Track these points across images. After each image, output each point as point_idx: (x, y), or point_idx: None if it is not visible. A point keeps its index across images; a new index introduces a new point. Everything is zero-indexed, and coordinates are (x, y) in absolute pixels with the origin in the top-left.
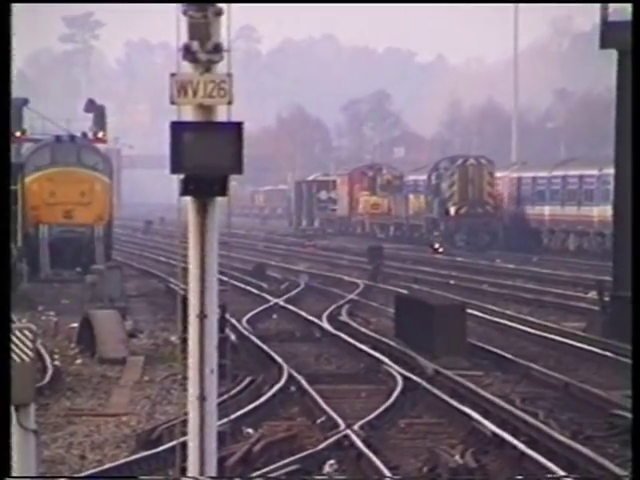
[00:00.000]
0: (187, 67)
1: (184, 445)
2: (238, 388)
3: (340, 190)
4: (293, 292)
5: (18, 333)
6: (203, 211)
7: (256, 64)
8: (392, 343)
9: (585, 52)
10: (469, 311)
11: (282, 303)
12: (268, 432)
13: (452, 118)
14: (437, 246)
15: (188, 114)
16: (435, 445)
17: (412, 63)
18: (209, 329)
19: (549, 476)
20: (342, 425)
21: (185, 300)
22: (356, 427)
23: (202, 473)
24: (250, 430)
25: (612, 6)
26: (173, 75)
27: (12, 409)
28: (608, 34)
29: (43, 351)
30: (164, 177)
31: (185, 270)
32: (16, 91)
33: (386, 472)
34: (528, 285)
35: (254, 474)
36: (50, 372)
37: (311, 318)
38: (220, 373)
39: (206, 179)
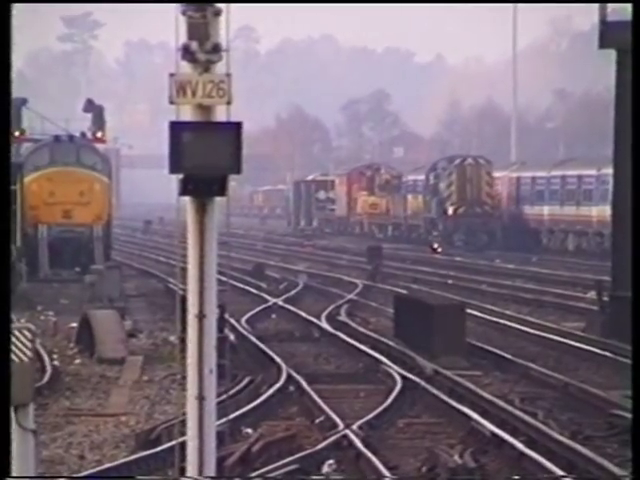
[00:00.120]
0: (186, 67)
1: (183, 445)
2: (237, 388)
3: (338, 190)
4: (292, 292)
5: (17, 333)
6: (202, 211)
7: (255, 64)
8: (391, 343)
9: (584, 52)
10: (468, 311)
11: (281, 303)
12: (267, 432)
13: (451, 118)
14: (436, 246)
15: (187, 114)
16: (434, 445)
17: (411, 63)
18: (208, 329)
19: (549, 476)
20: (341, 425)
21: (184, 300)
22: (355, 427)
23: (201, 473)
24: (249, 430)
25: (611, 6)
26: (172, 75)
27: (11, 409)
28: (607, 34)
29: (42, 351)
30: (163, 177)
31: (184, 270)
32: (15, 91)
33: (385, 472)
34: (527, 285)
35: (253, 474)
36: (49, 372)
37: (310, 318)
38: (219, 373)
39: (205, 179)
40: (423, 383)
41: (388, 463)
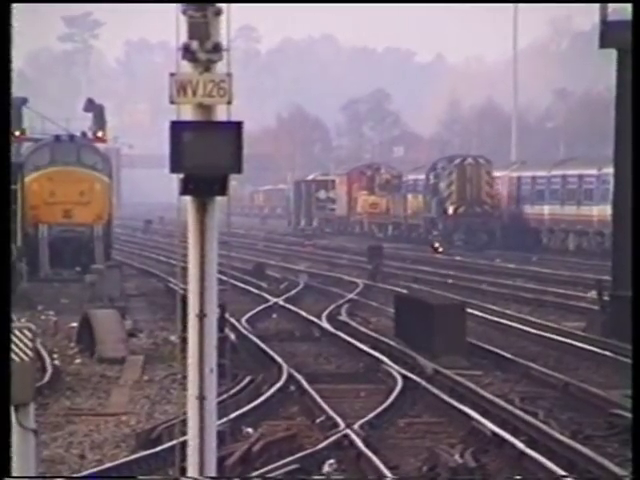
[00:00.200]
0: (187, 67)
1: (184, 445)
2: (238, 387)
3: (339, 190)
4: (293, 291)
5: (17, 332)
6: (203, 210)
7: (255, 64)
8: (392, 342)
9: (584, 51)
10: (469, 310)
11: (282, 303)
12: (268, 432)
13: (451, 118)
14: (437, 245)
15: (188, 113)
16: (435, 444)
17: (411, 63)
18: (208, 328)
19: (549, 476)
20: (342, 425)
21: (185, 299)
22: (356, 426)
23: (202, 473)
24: (250, 430)
25: (611, 6)
26: (173, 75)
27: (11, 409)
28: (607, 33)
29: (42, 351)
30: (164, 176)
31: (185, 269)
32: (15, 90)
33: (386, 472)
34: (528, 285)
35: (253, 474)
36: (49, 372)
37: (311, 318)
38: (219, 372)
39: (206, 178)
40: (424, 383)
41: (389, 463)
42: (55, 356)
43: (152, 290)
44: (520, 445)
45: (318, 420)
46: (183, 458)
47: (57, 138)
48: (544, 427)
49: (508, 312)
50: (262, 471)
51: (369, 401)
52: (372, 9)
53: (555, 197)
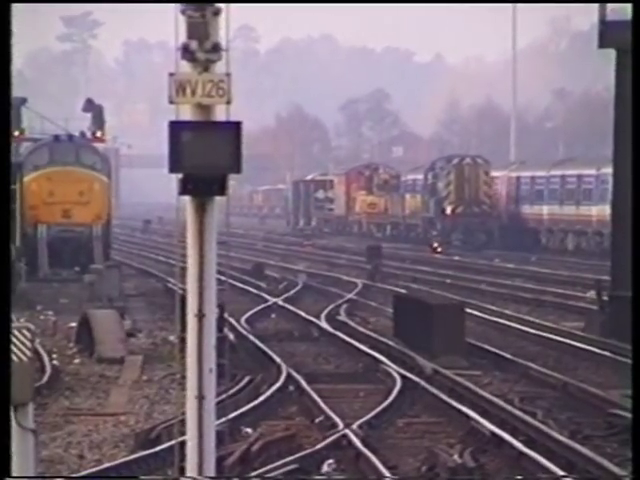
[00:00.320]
0: (186, 66)
1: (183, 444)
2: (237, 387)
3: (337, 190)
4: (292, 291)
5: (16, 332)
6: (202, 210)
7: (254, 64)
8: (391, 343)
9: (584, 51)
10: (468, 310)
11: (281, 302)
12: (267, 431)
13: (451, 117)
14: (436, 245)
15: (187, 113)
16: (434, 444)
17: (411, 62)
18: (207, 328)
19: (549, 476)
20: (340, 425)
21: (184, 299)
22: (354, 427)
23: (201, 472)
24: (249, 429)
25: (610, 6)
26: (172, 74)
27: (11, 409)
28: (607, 33)
29: (41, 350)
30: (163, 176)
31: (184, 269)
32: (14, 90)
33: (385, 472)
34: (527, 284)
35: (253, 474)
36: (48, 372)
37: (310, 317)
38: (219, 372)
39: (205, 178)
40: (423, 383)
41: (387, 463)
42: (54, 356)
43: (151, 290)
44: (519, 445)
45: (317, 420)
46: (182, 458)
47: (56, 138)
48: (543, 427)
49: (507, 312)
50: (261, 471)
51: (368, 401)
52: (371, 9)
53: (554, 197)
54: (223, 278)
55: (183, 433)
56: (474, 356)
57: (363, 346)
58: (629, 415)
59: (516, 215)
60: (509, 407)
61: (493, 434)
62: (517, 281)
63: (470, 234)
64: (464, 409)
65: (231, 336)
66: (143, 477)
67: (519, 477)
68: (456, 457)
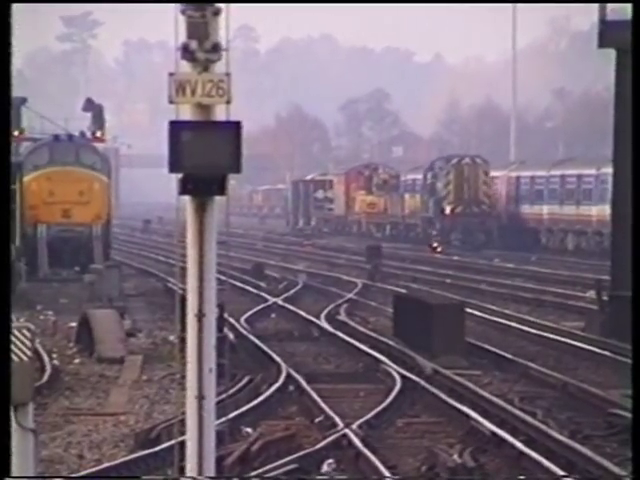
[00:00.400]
0: (186, 66)
1: (182, 444)
2: (236, 387)
3: (337, 189)
4: (292, 291)
5: (16, 332)
6: (202, 210)
7: (254, 63)
8: (390, 342)
9: (583, 51)
10: (468, 310)
11: (281, 302)
12: (266, 431)
13: (450, 117)
14: (436, 245)
15: (186, 113)
16: (433, 444)
17: (410, 62)
18: (207, 328)
19: (549, 476)
20: (340, 424)
21: (184, 299)
22: (354, 426)
23: (200, 472)
24: (248, 429)
25: (610, 5)
26: (172, 74)
27: (11, 409)
28: (606, 33)
29: (41, 350)
30: (162, 176)
31: (184, 269)
32: (14, 90)
33: (384, 471)
34: (527, 284)
35: (252, 473)
36: (48, 371)
37: (310, 317)
38: (218, 372)
39: (205, 178)
40: (422, 382)
41: (387, 462)
42: (54, 356)
43: (151, 290)
44: (519, 445)
45: (317, 420)
46: (182, 458)
47: (56, 138)
48: (543, 427)
49: (507, 312)
50: (261, 471)
51: (368, 401)
52: (371, 9)
53: (554, 197)
54: (223, 278)
55: (183, 433)
56: (474, 356)
57: (363, 346)
58: (629, 415)
59: (516, 215)
60: (509, 407)
61: (493, 434)
62: (517, 281)
63: (469, 234)
64: (464, 409)
65: (231, 336)
66: (143, 477)
67: (519, 477)
68: (456, 457)
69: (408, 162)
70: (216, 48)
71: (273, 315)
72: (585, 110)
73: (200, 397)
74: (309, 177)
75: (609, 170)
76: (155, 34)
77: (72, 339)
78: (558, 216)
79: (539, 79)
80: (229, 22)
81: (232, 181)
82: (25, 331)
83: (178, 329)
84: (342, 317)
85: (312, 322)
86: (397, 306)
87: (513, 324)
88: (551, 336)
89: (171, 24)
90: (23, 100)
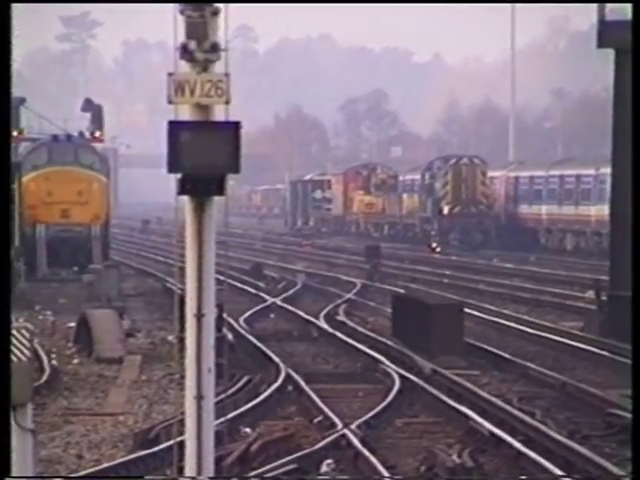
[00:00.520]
0: (184, 66)
1: (181, 444)
2: (235, 387)
3: (335, 189)
4: (290, 291)
5: (15, 332)
6: (200, 210)
7: (253, 63)
8: (389, 342)
9: (582, 51)
10: (466, 310)
11: (279, 302)
12: (265, 431)
13: (449, 117)
14: (434, 245)
15: (185, 113)
16: (432, 444)
17: (409, 62)
18: (206, 328)
19: (549, 476)
20: (339, 424)
21: (182, 299)
22: (353, 426)
23: (199, 472)
24: (247, 429)
25: (609, 6)
26: (170, 74)
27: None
28: (605, 33)
29: (40, 350)
30: (161, 176)
31: (182, 269)
32: (13, 90)
33: (383, 471)
34: (525, 284)
35: (251, 473)
36: (47, 372)
37: (308, 317)
38: (217, 372)
39: (203, 178)
40: (421, 383)
41: (386, 462)
42: (53, 356)
43: (150, 290)
44: (517, 445)
45: (316, 420)
46: (181, 458)
47: (55, 138)
48: (542, 427)
49: (506, 312)
50: (260, 471)
51: (367, 401)
52: (370, 9)
53: (553, 197)
54: (222, 278)
55: (182, 433)
56: (473, 356)
57: (362, 346)
58: (628, 415)
59: (515, 215)
60: (508, 407)
61: (492, 434)
62: (516, 281)
63: (467, 234)
64: (463, 409)
65: (230, 336)
66: (143, 477)
67: (518, 477)
68: (455, 457)
69: (407, 162)
70: (215, 48)
71: (272, 315)
72: (584, 110)
73: (199, 397)
74: (307, 177)
75: (608, 170)
76: (154, 34)
77: (71, 339)
78: (557, 216)
79: (538, 79)
80: (228, 22)
81: (231, 181)
82: (24, 331)
83: (177, 329)
84: (341, 317)
85: (311, 322)
86: (396, 306)
87: (512, 324)
88: (550, 336)
89: (170, 24)
90: (22, 100)
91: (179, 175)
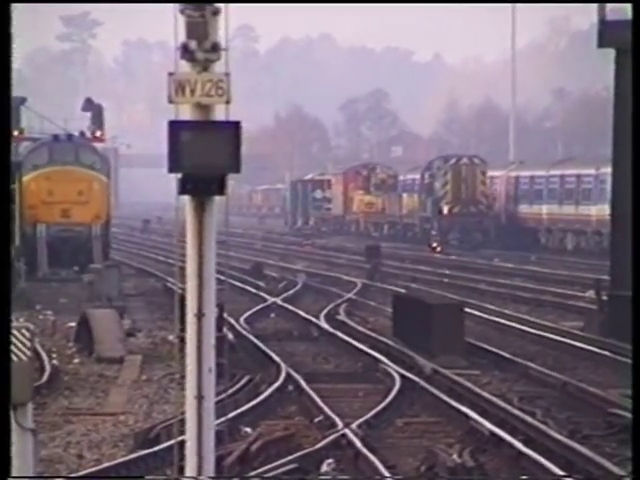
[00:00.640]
0: (185, 66)
1: (182, 444)
2: (236, 387)
3: (335, 189)
4: (291, 291)
5: (16, 332)
6: (201, 210)
7: (254, 63)
8: (390, 342)
9: (583, 51)
10: (467, 310)
11: (280, 302)
12: (266, 431)
13: (450, 117)
14: (435, 245)
15: (186, 113)
16: (433, 444)
17: (410, 62)
18: (207, 328)
19: (549, 476)
20: (340, 424)
21: (183, 299)
22: (354, 426)
23: (200, 472)
24: (248, 429)
25: (609, 5)
26: (171, 74)
27: (10, 409)
28: (606, 33)
29: (41, 350)
30: (162, 176)
31: (183, 269)
32: (14, 90)
33: (384, 471)
34: (526, 284)
35: (252, 473)
36: (48, 371)
37: (309, 317)
38: (218, 372)
39: (204, 178)
40: (422, 382)
41: (387, 462)
42: (53, 356)
43: (150, 290)
44: (518, 444)
45: (316, 420)
46: (181, 458)
47: (55, 138)
48: (542, 427)
49: (506, 312)
50: (260, 471)
51: (367, 401)
52: (370, 9)
53: (553, 197)
54: (222, 277)
55: (182, 433)
56: (473, 356)
57: (362, 346)
58: (628, 415)
59: (515, 215)
60: (508, 407)
61: (492, 434)
62: (516, 281)
63: (467, 234)
64: (463, 409)
65: (230, 336)
66: (143, 477)
67: (519, 477)
68: (455, 457)
69: (407, 162)
70: (215, 48)
71: (272, 315)
72: (584, 110)
73: (199, 397)
74: (308, 177)
75: (608, 170)
76: (154, 34)
77: (71, 339)
78: (557, 216)
79: (538, 79)
80: (228, 22)
81: (231, 181)
82: (24, 331)
83: (177, 329)
84: (341, 317)
85: (311, 322)
86: (396, 306)
87: (512, 324)
88: (550, 336)
89: (170, 24)
90: (22, 100)
91: (180, 175)
